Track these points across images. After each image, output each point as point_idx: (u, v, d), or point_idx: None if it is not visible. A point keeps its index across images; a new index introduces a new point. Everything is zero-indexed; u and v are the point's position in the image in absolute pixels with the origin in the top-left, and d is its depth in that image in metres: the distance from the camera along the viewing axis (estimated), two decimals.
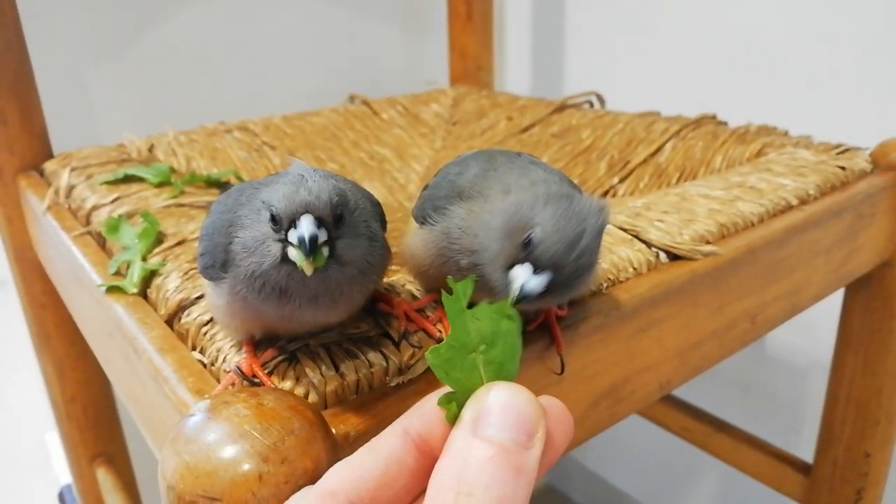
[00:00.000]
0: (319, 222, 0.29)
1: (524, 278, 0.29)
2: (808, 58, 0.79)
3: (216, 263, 0.32)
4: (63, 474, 1.27)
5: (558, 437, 0.24)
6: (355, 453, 0.24)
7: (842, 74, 0.76)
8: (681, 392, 0.93)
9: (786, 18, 0.79)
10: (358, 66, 1.06)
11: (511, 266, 0.30)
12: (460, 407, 0.24)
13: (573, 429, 0.25)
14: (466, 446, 0.22)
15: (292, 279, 0.30)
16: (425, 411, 0.24)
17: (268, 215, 0.29)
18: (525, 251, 0.30)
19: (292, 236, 0.28)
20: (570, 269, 0.30)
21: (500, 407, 0.23)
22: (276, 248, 0.29)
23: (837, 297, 0.64)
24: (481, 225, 0.33)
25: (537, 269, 0.29)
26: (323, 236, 0.29)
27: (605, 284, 0.41)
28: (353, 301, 0.32)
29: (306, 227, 0.28)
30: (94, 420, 0.82)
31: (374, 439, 0.24)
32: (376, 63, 1.08)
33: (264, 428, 0.27)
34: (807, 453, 0.79)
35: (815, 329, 0.86)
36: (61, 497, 1.25)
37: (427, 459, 0.24)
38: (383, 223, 0.35)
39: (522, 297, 0.29)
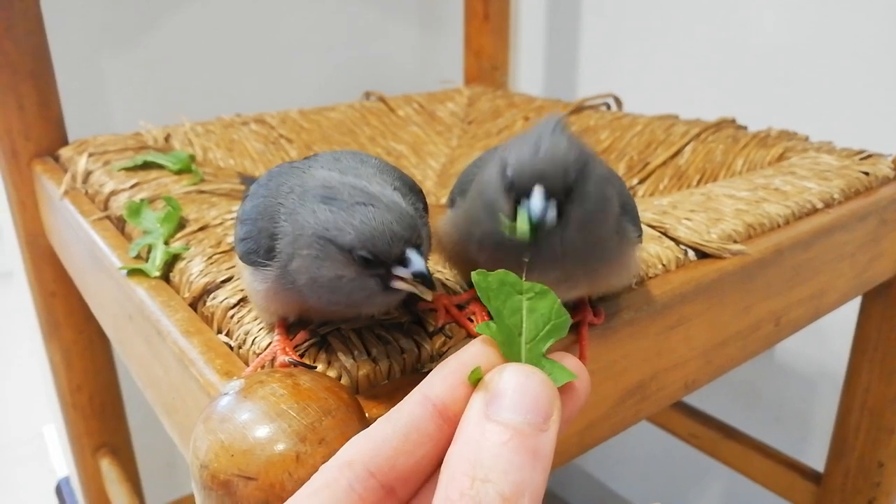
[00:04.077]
0: (418, 248, 0.29)
1: (526, 209, 0.29)
2: (824, 63, 0.78)
3: (259, 249, 0.31)
4: (61, 467, 1.27)
5: (579, 391, 0.24)
6: (374, 423, 0.23)
7: (860, 80, 0.76)
8: (689, 398, 0.92)
9: (802, 23, 0.79)
10: (371, 64, 1.06)
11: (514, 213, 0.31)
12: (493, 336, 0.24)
13: (590, 382, 0.25)
14: (480, 430, 0.21)
15: (383, 298, 0.30)
16: (446, 373, 0.23)
17: (351, 257, 0.28)
18: (511, 190, 0.30)
19: (402, 272, 0.29)
20: (552, 171, 0.29)
21: (514, 389, 0.22)
22: (374, 284, 0.29)
23: (848, 305, 0.63)
24: (480, 199, 0.33)
25: (528, 193, 0.30)
26: (425, 260, 0.29)
27: (634, 280, 0.41)
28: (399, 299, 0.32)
29: (419, 263, 0.28)
30: (99, 410, 0.81)
31: (393, 408, 0.23)
32: (390, 61, 1.08)
33: (301, 408, 0.26)
34: (815, 462, 0.79)
35: (826, 337, 0.86)
36: (59, 490, 1.24)
37: (449, 425, 0.23)
38: (425, 207, 0.35)
39: (538, 223, 0.29)
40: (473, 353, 0.24)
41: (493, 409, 0.22)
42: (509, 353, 0.24)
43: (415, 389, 0.24)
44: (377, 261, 0.28)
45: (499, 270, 0.24)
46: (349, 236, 0.28)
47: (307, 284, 0.30)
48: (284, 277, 0.31)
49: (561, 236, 0.31)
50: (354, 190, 0.29)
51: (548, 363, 0.24)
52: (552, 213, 0.30)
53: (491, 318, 0.24)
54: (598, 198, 0.32)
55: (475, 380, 0.23)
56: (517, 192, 0.30)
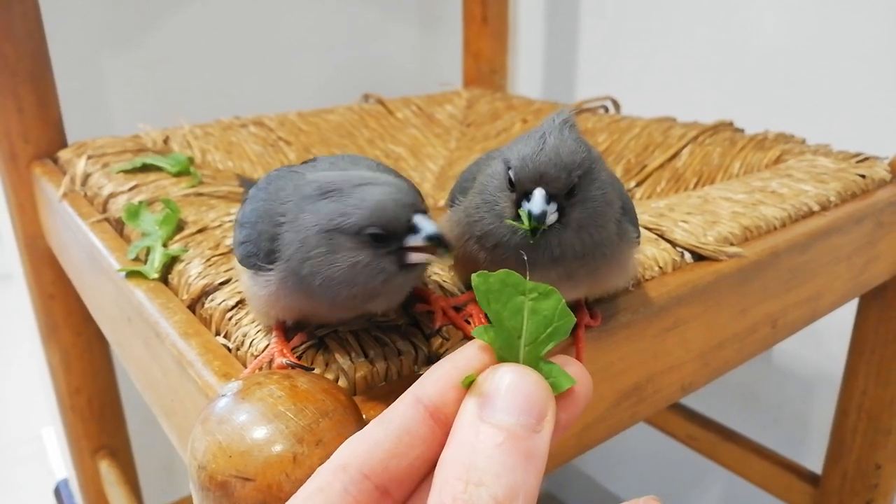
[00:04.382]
0: (425, 214, 0.29)
1: (526, 208, 0.30)
2: (822, 66, 0.79)
3: (260, 252, 0.31)
4: (59, 469, 1.27)
5: (580, 394, 0.24)
6: (367, 426, 0.23)
7: (857, 83, 0.76)
8: (687, 400, 0.92)
9: (800, 26, 0.80)
10: (370, 66, 1.06)
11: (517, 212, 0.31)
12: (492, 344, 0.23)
13: (592, 386, 0.24)
14: (474, 433, 0.21)
15: (398, 279, 0.30)
16: (437, 377, 0.23)
17: (360, 238, 0.28)
18: (513, 188, 0.30)
19: (416, 240, 0.28)
20: (555, 172, 0.29)
21: (508, 390, 0.22)
22: (389, 265, 0.29)
23: (845, 308, 0.63)
24: (481, 196, 0.33)
25: (529, 193, 0.30)
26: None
27: (632, 282, 0.41)
28: (405, 291, 0.32)
29: (430, 225, 0.28)
30: (98, 412, 0.81)
31: (385, 410, 0.24)
32: (389, 63, 1.08)
33: (298, 409, 0.27)
34: (812, 464, 0.79)
35: (823, 340, 0.86)
36: (57, 492, 1.24)
37: (441, 428, 0.23)
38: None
39: (537, 222, 0.29)
40: (467, 356, 0.24)
41: (486, 411, 0.22)
42: (507, 357, 0.24)
43: (406, 391, 0.24)
44: (388, 234, 0.28)
45: (501, 270, 0.24)
46: (355, 216, 0.28)
47: (323, 286, 0.29)
48: (287, 281, 0.31)
49: (559, 238, 0.31)
50: (349, 176, 0.29)
51: (547, 367, 0.24)
52: (552, 216, 0.30)
53: (490, 321, 0.24)
54: (601, 201, 0.32)
55: (468, 383, 0.23)
56: (518, 192, 0.30)
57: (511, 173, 0.30)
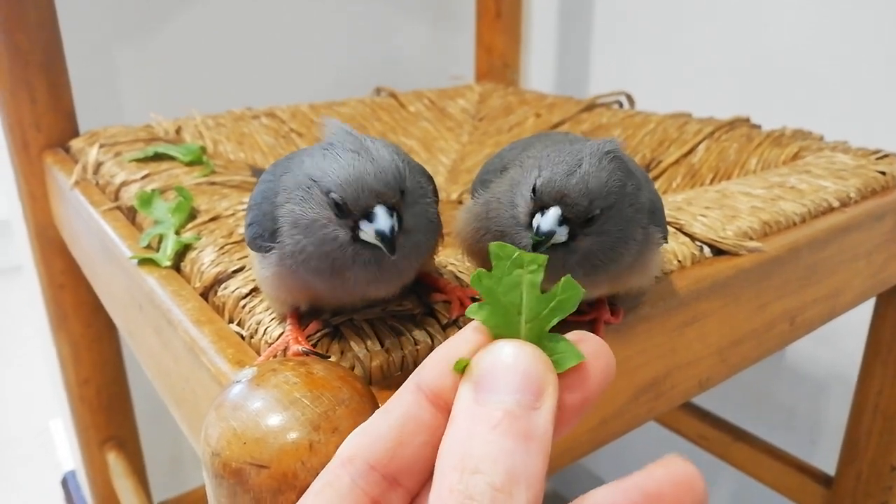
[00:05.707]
0: (391, 209, 0.28)
1: (538, 221, 0.29)
2: (839, 62, 0.78)
3: (265, 233, 0.31)
4: (67, 461, 1.27)
5: (598, 372, 0.22)
6: (372, 416, 0.23)
7: (875, 80, 0.75)
8: (699, 399, 0.91)
9: (817, 21, 0.79)
10: (383, 60, 1.06)
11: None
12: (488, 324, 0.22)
13: (614, 364, 0.23)
14: (469, 417, 0.20)
15: (357, 259, 0.29)
16: (436, 361, 0.22)
17: (327, 200, 0.28)
18: (535, 199, 0.30)
19: (367, 227, 0.28)
20: (577, 197, 0.29)
21: (501, 368, 0.20)
22: (343, 234, 0.29)
23: (861, 306, 0.62)
24: (506, 195, 0.33)
25: (546, 209, 0.29)
26: (396, 223, 0.28)
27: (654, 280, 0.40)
28: (407, 275, 0.31)
29: (384, 221, 0.28)
30: (106, 403, 0.81)
31: (389, 399, 0.23)
32: (401, 57, 1.08)
33: (315, 396, 0.26)
34: (826, 466, 0.78)
35: (838, 339, 0.85)
36: (65, 483, 1.24)
37: (444, 413, 0.22)
38: (435, 192, 0.34)
39: (541, 238, 0.29)
40: (465, 339, 0.22)
41: (480, 393, 0.20)
42: (506, 335, 0.22)
43: (408, 379, 0.23)
44: (347, 209, 0.28)
45: (494, 243, 0.22)
46: (327, 179, 0.28)
47: (289, 232, 0.30)
48: (285, 255, 0.31)
49: (563, 259, 0.31)
50: (350, 138, 0.29)
51: (553, 342, 0.22)
52: (560, 237, 0.29)
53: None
54: (616, 238, 0.31)
55: (461, 368, 0.21)
56: (536, 203, 0.30)
57: (537, 183, 0.30)
